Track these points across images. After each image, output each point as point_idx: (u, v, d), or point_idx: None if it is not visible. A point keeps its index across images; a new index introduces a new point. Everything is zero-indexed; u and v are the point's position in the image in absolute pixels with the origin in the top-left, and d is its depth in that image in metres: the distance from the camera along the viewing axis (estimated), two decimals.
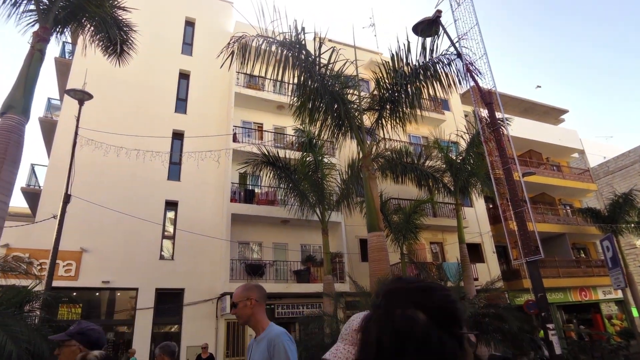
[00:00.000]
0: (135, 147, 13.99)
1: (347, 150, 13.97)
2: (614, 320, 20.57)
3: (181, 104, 16.73)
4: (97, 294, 13.05)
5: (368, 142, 10.91)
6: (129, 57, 10.43)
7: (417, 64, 10.06)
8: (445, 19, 10.20)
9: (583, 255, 23.40)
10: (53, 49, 22.51)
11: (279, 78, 9.45)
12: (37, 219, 12.22)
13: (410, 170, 15.09)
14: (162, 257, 13.99)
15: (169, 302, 13.42)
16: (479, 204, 19.86)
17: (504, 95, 22.47)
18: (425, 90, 10.16)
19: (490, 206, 20.78)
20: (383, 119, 10.76)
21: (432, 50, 9.99)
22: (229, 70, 16.95)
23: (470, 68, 9.84)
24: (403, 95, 10.25)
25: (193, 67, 17.36)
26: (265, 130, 17.38)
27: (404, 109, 10.39)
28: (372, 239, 8.98)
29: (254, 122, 17.74)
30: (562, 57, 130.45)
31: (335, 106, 9.96)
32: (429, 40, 10.03)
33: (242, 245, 15.42)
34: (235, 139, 16.00)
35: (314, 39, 9.78)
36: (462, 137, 16.25)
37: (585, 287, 20.02)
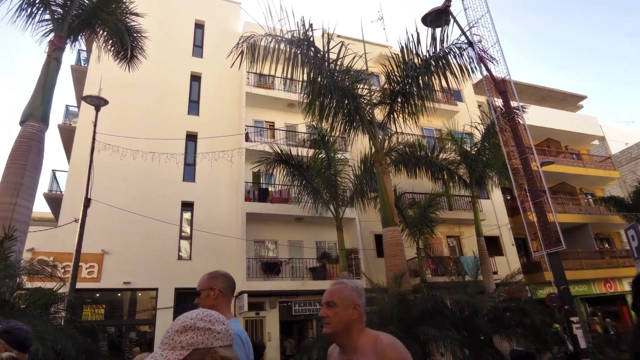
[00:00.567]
0: (151, 149, 14.29)
1: (359, 146, 13.96)
2: None
3: (194, 106, 16.98)
4: (119, 294, 13.42)
5: (380, 136, 10.92)
6: (140, 62, 10.67)
7: (427, 55, 10.00)
8: (455, 8, 10.08)
9: (607, 245, 22.85)
10: (69, 57, 23.08)
11: (289, 76, 9.54)
12: (60, 223, 12.64)
13: (424, 163, 15.00)
14: (180, 257, 14.27)
15: (189, 302, 13.67)
16: (496, 196, 19.60)
17: (519, 83, 22.05)
18: (437, 82, 10.09)
19: (508, 198, 20.50)
20: (395, 113, 10.74)
21: (442, 41, 9.91)
22: (239, 70, 17.20)
23: (483, 56, 9.73)
24: (414, 88, 10.21)
25: (204, 69, 17.59)
26: (276, 129, 17.50)
27: (416, 101, 10.35)
28: (387, 233, 9.00)
29: (266, 121, 17.88)
30: (579, 42, 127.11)
31: (346, 101, 9.99)
32: (438, 30, 9.95)
33: (257, 244, 15.60)
34: (247, 139, 16.18)
35: (322, 35, 9.83)
36: (477, 128, 16.08)
37: (610, 278, 19.56)
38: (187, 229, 14.91)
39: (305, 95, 10.30)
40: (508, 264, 17.67)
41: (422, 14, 10.24)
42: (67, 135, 15.50)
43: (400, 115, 10.71)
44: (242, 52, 9.69)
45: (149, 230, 13.53)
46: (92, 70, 14.95)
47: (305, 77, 9.70)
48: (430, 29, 10.10)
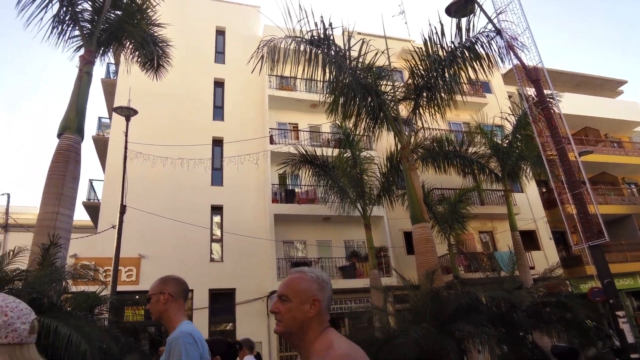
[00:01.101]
0: (179, 156, 14.79)
1: (385, 143, 13.92)
2: None
3: (218, 112, 17.41)
4: None
5: (406, 132, 10.87)
6: (166, 71, 11.05)
7: (452, 46, 9.84)
8: None
9: None
10: (99, 70, 24.02)
11: (310, 77, 9.63)
12: (99, 230, 13.35)
13: (453, 158, 14.79)
14: (212, 260, 14.70)
15: (222, 302, 14.10)
16: (531, 189, 19.07)
17: (552, 70, 21.34)
18: (464, 74, 9.92)
19: (544, 190, 19.89)
20: (420, 108, 10.65)
21: (468, 30, 9.70)
22: (259, 74, 17.48)
23: (513, 44, 9.49)
24: (440, 81, 10.09)
25: (227, 75, 18.00)
26: (300, 130, 17.70)
27: (442, 95, 10.22)
28: (417, 230, 8.96)
29: (289, 123, 18.11)
30: (616, 23, 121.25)
31: (369, 99, 10.00)
32: (464, 20, 9.77)
33: (286, 245, 15.83)
34: (272, 141, 16.44)
35: (342, 33, 9.86)
36: (507, 120, 15.70)
37: None
38: (217, 232, 15.32)
39: (328, 95, 10.37)
40: (546, 258, 17.16)
41: (446, 5, 10.07)
42: (101, 145, 16.21)
43: (426, 110, 10.61)
44: (262, 56, 9.85)
45: (181, 234, 13.99)
46: (121, 82, 15.57)
47: (327, 77, 9.77)
48: (454, 19, 9.94)
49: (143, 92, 15.01)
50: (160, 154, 14.56)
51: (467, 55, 9.69)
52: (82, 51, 9.48)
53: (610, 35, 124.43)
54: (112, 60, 16.09)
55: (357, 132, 11.98)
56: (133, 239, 12.95)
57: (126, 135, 11.23)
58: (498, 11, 9.63)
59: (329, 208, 14.71)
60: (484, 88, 20.84)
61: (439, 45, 9.87)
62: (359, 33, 14.94)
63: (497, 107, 19.93)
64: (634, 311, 18.17)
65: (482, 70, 9.80)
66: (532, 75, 9.14)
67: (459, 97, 10.41)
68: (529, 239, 17.88)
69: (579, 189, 8.01)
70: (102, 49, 10.17)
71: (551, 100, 9.15)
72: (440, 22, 9.89)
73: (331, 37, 9.72)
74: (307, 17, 9.35)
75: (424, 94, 10.47)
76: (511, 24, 9.45)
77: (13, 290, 4.63)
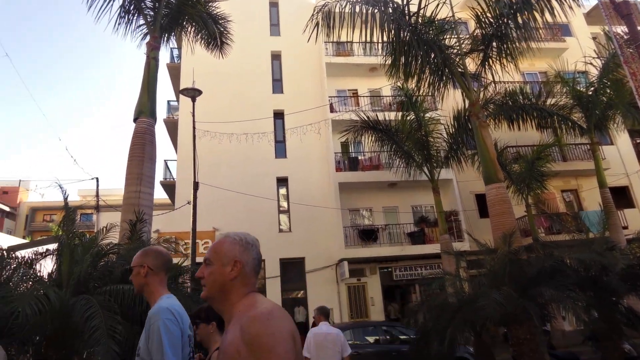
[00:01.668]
0: (244, 131, 15.27)
1: (451, 101, 13.15)
2: None
3: (277, 84, 17.55)
4: None
5: (474, 88, 10.14)
6: (230, 48, 11.25)
7: None
8: None
9: None
10: (163, 56, 25.18)
11: (368, 39, 9.24)
12: (176, 206, 14.40)
13: (529, 112, 13.58)
14: (280, 230, 15.23)
15: (292, 270, 14.69)
16: (623, 140, 17.13)
17: None
18: (539, 17, 8.91)
19: (638, 141, 17.74)
20: (489, 60, 9.83)
21: None
22: (316, 42, 17.12)
23: None
24: (511, 29, 9.18)
25: (283, 47, 17.95)
26: (360, 96, 17.33)
27: (514, 43, 9.32)
28: (491, 191, 8.46)
29: (348, 89, 17.83)
30: None
31: (432, 55, 9.42)
32: None
33: (352, 212, 15.91)
34: (332, 110, 16.31)
35: None
36: (592, 64, 14.00)
37: None
38: (284, 203, 15.77)
39: (387, 57, 9.92)
40: None
41: None
42: (172, 127, 17.25)
43: (496, 62, 9.77)
44: (317, 23, 9.60)
45: (250, 207, 14.62)
46: (185, 64, 16.23)
47: (385, 38, 9.31)
48: None
49: (205, 72, 15.52)
50: (226, 131, 15.11)
51: None
52: (147, 38, 10.01)
53: None
54: (175, 45, 16.72)
55: (421, 93, 11.40)
56: (207, 213, 13.72)
57: (193, 115, 11.73)
58: None
59: (394, 173, 14.43)
60: (563, 31, 18.73)
61: None
62: None
63: (579, 51, 17.82)
64: None
65: (560, 11, 8.71)
66: (623, 10, 7.97)
67: (534, 44, 9.39)
68: (621, 196, 16.25)
69: None
70: (166, 34, 10.61)
71: None
72: None
73: None
74: None
75: (493, 44, 9.62)
76: None
77: (108, 263, 5.14)
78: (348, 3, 9.30)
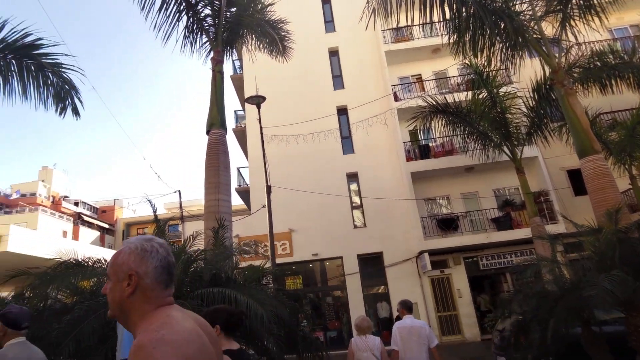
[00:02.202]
0: (309, 131, 15.42)
1: (528, 72, 12.10)
2: None
3: (338, 81, 17.50)
4: (310, 265, 15.17)
5: (555, 54, 9.18)
6: (292, 50, 11.40)
7: None
8: None
9: None
10: (227, 69, 26.46)
11: (427, 20, 8.77)
12: (252, 211, 14.98)
13: (622, 72, 11.96)
14: (355, 226, 15.14)
15: (371, 266, 14.51)
16: None
17: None
18: None
19: None
20: (570, 20, 8.85)
21: None
22: (374, 30, 16.86)
23: None
24: None
25: (340, 42, 17.87)
26: (425, 80, 16.67)
27: None
28: (587, 165, 7.60)
29: (411, 75, 17.32)
30: None
31: (502, 25, 8.69)
32: None
33: (428, 202, 15.37)
34: (396, 98, 15.88)
35: None
36: None
37: None
38: (356, 199, 15.65)
39: (451, 34, 9.34)
40: None
41: None
42: (241, 136, 18.01)
43: (579, 20, 8.76)
44: (373, 9, 9.34)
45: (323, 205, 14.75)
46: (247, 74, 16.86)
47: (447, 14, 8.77)
48: None
49: (267, 79, 15.90)
50: (292, 133, 15.38)
51: None
52: (211, 54, 10.54)
53: None
54: (236, 57, 17.39)
55: (492, 68, 10.61)
56: (282, 215, 14.08)
57: (260, 122, 12.06)
58: None
59: (470, 157, 13.64)
60: None
61: None
62: None
63: None
64: None
65: None
66: None
67: None
68: None
69: None
70: (228, 47, 11.07)
71: None
72: None
73: None
74: None
75: (573, 1, 8.62)
76: None
77: (197, 269, 5.42)
78: None
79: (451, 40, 9.57)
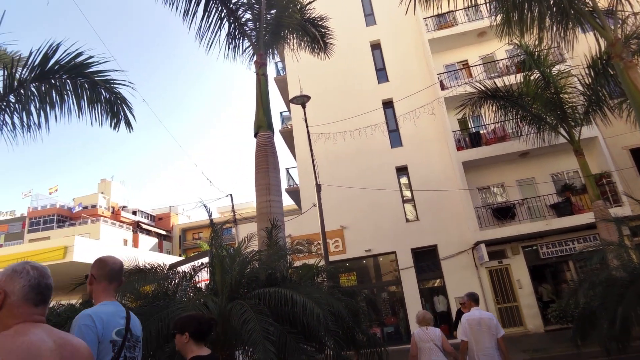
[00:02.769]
0: (356, 127, 15.40)
1: (581, 48, 11.34)
2: None
3: (381, 74, 17.30)
4: (364, 261, 15.15)
5: (610, 26, 8.52)
6: (333, 47, 11.40)
7: None
8: None
9: None
10: (270, 71, 26.99)
11: (471, 2, 8.49)
12: (303, 210, 15.22)
13: None
14: (407, 220, 14.94)
15: (426, 260, 14.27)
16: None
17: None
18: None
19: None
20: None
21: None
22: (415, 19, 16.50)
23: None
24: None
25: (381, 35, 17.64)
26: (472, 65, 16.08)
27: None
28: None
29: (457, 62, 16.86)
30: None
31: (551, 0, 8.21)
32: None
33: (482, 191, 14.89)
34: (442, 87, 15.49)
35: None
36: None
37: None
38: (407, 193, 15.45)
39: (497, 15, 8.98)
40: None
41: None
42: (288, 137, 18.31)
43: None
44: None
45: (374, 201, 14.69)
46: (290, 75, 17.12)
47: None
48: None
49: (310, 78, 16.11)
50: (339, 130, 15.45)
51: None
52: (254, 58, 10.75)
53: None
54: (278, 59, 17.67)
55: (543, 46, 10.03)
56: (333, 212, 14.23)
57: (306, 121, 12.17)
58: None
59: (524, 142, 13.04)
60: None
61: None
62: None
63: None
64: None
65: None
66: None
67: None
68: None
69: None
70: (270, 49, 11.24)
71: None
72: None
73: None
74: None
75: None
76: None
77: (253, 270, 5.63)
78: None
79: (497, 21, 9.23)
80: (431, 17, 16.64)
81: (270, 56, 11.82)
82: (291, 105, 16.16)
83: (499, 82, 12.75)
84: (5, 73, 7.32)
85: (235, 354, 4.59)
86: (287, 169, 18.49)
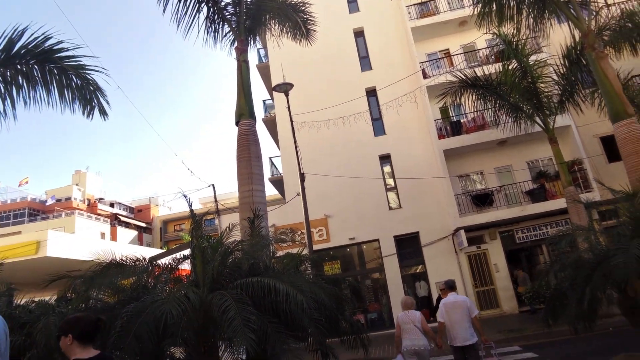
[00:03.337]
0: (339, 115, 15.37)
1: (557, 39, 11.54)
2: None
3: (365, 62, 17.23)
4: (348, 249, 15.32)
5: (584, 17, 8.71)
6: (315, 33, 11.20)
7: None
8: None
9: None
10: (251, 58, 26.56)
11: None
12: (287, 200, 15.24)
13: None
14: (390, 208, 15.14)
15: (408, 247, 14.53)
16: None
17: None
18: None
19: None
20: None
21: None
22: (399, 7, 16.45)
23: None
24: None
25: (364, 22, 17.53)
26: (453, 54, 16.22)
27: None
28: (620, 130, 7.35)
29: (439, 51, 16.93)
30: None
31: None
32: None
33: (462, 179, 15.20)
34: (425, 75, 15.55)
35: None
36: None
37: None
38: (390, 181, 15.61)
39: (477, 5, 9.08)
40: None
41: None
42: (271, 125, 18.11)
43: None
44: None
45: (357, 189, 14.80)
46: (273, 62, 16.90)
47: None
48: None
49: (293, 65, 15.94)
50: (322, 118, 15.38)
51: None
52: (235, 44, 10.38)
53: None
54: (261, 45, 17.33)
55: (521, 36, 10.19)
56: (317, 201, 14.25)
57: (289, 109, 12.04)
58: None
59: (501, 130, 13.31)
60: None
61: None
62: None
63: None
64: None
65: None
66: None
67: None
68: None
69: None
70: (251, 35, 10.80)
71: None
72: None
73: None
74: None
75: None
76: None
77: (235, 260, 5.61)
78: None
79: (477, 11, 9.34)
80: (414, 4, 16.65)
81: (252, 42, 11.46)
82: (274, 93, 15.86)
83: (479, 72, 12.89)
84: None
85: (216, 349, 4.57)
86: (270, 158, 18.28)
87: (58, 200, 41.82)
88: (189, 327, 4.26)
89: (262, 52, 19.09)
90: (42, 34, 6.89)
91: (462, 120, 15.39)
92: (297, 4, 10.54)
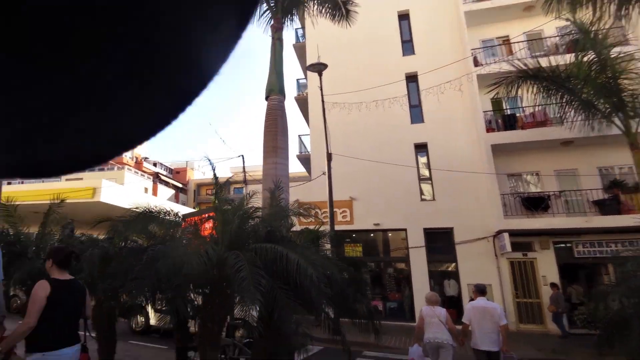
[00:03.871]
0: (373, 99, 15.36)
1: None
2: None
3: (407, 46, 17.02)
4: (372, 234, 15.40)
5: None
6: (356, 14, 11.30)
7: None
8: None
9: None
10: (290, 38, 26.99)
11: None
12: (313, 178, 15.57)
13: None
14: (422, 199, 14.94)
15: (438, 241, 14.30)
16: None
17: None
18: None
19: None
20: None
21: None
22: None
23: None
24: None
25: (410, 4, 17.25)
26: (513, 42, 15.54)
27: None
28: None
29: (497, 37, 16.42)
30: None
31: None
32: None
33: (512, 178, 14.62)
34: (476, 63, 15.05)
35: None
36: None
37: None
38: (425, 172, 15.38)
39: None
40: None
41: None
42: (303, 104, 18.52)
43: None
44: None
45: (388, 175, 14.71)
46: (310, 41, 17.06)
47: None
48: None
49: (330, 46, 16.12)
50: (355, 100, 15.43)
51: None
52: (272, 22, 10.97)
53: None
54: (299, 25, 17.69)
55: (601, 25, 9.53)
56: (343, 182, 14.42)
57: (321, 89, 12.49)
58: None
59: (568, 129, 12.53)
60: None
61: None
62: None
63: None
64: None
65: None
66: None
67: None
68: None
69: None
70: (288, 14, 11.45)
71: None
72: None
73: None
74: None
75: None
76: None
77: (253, 225, 5.86)
78: None
79: None
80: None
81: (289, 21, 12.01)
82: (308, 72, 16.19)
83: (544, 62, 12.23)
84: None
85: (231, 301, 5.21)
86: (299, 136, 18.92)
87: None
88: (206, 279, 4.98)
89: (300, 32, 19.34)
90: None
91: (517, 114, 14.77)
92: None
